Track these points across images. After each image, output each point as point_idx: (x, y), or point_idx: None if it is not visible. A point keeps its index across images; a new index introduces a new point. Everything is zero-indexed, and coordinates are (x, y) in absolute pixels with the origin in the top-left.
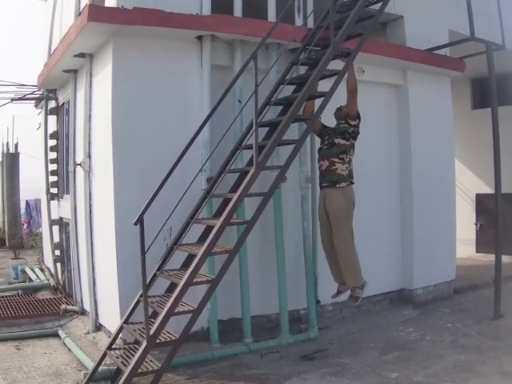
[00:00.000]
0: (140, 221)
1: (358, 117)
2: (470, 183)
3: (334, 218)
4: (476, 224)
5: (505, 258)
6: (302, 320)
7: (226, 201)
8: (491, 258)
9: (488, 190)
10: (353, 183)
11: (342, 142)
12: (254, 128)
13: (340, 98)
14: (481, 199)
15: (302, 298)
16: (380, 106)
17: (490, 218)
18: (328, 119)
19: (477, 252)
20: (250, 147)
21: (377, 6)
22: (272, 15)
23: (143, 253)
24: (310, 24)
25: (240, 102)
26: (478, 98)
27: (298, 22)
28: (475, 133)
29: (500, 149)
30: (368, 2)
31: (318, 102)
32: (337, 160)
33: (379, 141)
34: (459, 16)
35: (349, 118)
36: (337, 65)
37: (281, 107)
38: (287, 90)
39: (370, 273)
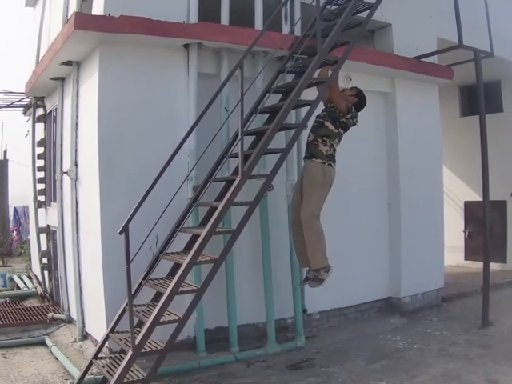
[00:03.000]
0: (125, 230)
1: (348, 112)
2: (458, 191)
3: (306, 188)
4: (465, 231)
5: (494, 266)
6: (289, 329)
7: (212, 209)
8: (480, 265)
9: (477, 197)
10: (331, 166)
11: (331, 127)
12: (239, 137)
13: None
14: (469, 207)
15: (289, 307)
16: (367, 114)
17: (478, 225)
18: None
19: (465, 259)
20: (235, 156)
21: (364, 14)
22: (259, 23)
23: (128, 262)
24: (298, 32)
25: (227, 110)
26: (467, 105)
27: (285, 30)
28: (464, 140)
29: (488, 156)
30: (355, 10)
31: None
32: (320, 140)
33: (367, 148)
34: (447, 24)
35: (340, 117)
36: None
37: (268, 115)
38: (274, 99)
39: (357, 281)
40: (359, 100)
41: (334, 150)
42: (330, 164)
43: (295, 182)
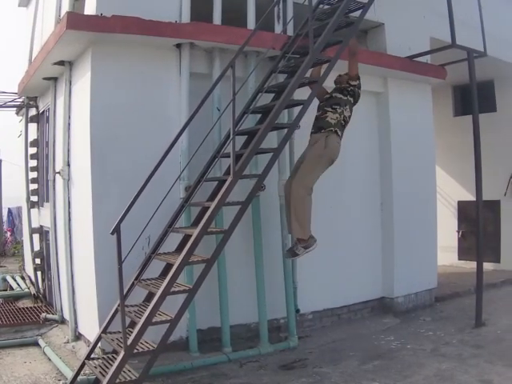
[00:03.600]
0: (117, 230)
1: (358, 78)
2: (452, 190)
3: (305, 159)
4: (458, 231)
5: (487, 266)
6: (282, 329)
7: (204, 209)
8: (473, 265)
9: (470, 197)
10: (338, 134)
11: (339, 95)
12: (231, 137)
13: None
14: (463, 206)
15: (282, 307)
16: (360, 114)
17: (471, 225)
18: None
19: (459, 259)
20: (227, 155)
21: (357, 14)
22: (251, 23)
23: (120, 262)
24: (290, 32)
25: (219, 110)
26: (460, 104)
27: (278, 29)
28: (457, 140)
29: (481, 156)
30: (348, 10)
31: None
32: (329, 109)
33: (359, 148)
34: (440, 23)
35: (349, 79)
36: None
37: (260, 115)
38: (266, 98)
39: (350, 281)
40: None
41: (345, 119)
42: (336, 132)
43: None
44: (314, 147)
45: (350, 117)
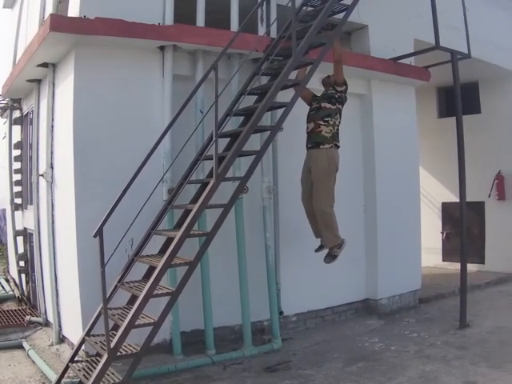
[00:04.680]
0: (99, 233)
1: (344, 83)
2: (436, 192)
3: (315, 179)
4: (442, 233)
5: (471, 267)
6: (266, 331)
7: (187, 212)
8: (457, 266)
9: (454, 198)
10: (338, 146)
11: (328, 106)
12: (213, 139)
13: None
14: (447, 208)
15: (266, 309)
16: (344, 116)
17: (455, 226)
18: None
19: (443, 261)
20: (210, 158)
21: (341, 16)
22: (235, 25)
23: (103, 265)
24: (274, 34)
25: (201, 112)
26: (444, 106)
27: (261, 31)
28: (441, 141)
29: (466, 157)
30: (331, 12)
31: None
32: (321, 122)
33: (343, 150)
34: (425, 25)
35: (336, 85)
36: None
37: (243, 117)
38: (250, 100)
39: (334, 283)
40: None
41: (338, 127)
42: (335, 144)
43: (271, 183)
44: (318, 167)
45: (340, 122)
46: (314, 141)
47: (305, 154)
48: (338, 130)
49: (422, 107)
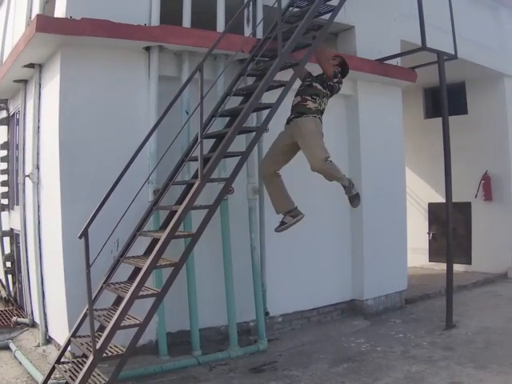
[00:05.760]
0: (84, 234)
1: (335, 76)
2: (422, 192)
3: (304, 140)
4: (429, 233)
5: (458, 267)
6: (252, 332)
7: (173, 213)
8: (444, 266)
9: (440, 199)
10: (320, 119)
11: (319, 87)
12: (199, 140)
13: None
14: (433, 208)
15: (251, 310)
16: (330, 116)
17: (442, 226)
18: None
19: (429, 261)
20: (196, 159)
21: (327, 17)
22: (221, 26)
23: (88, 266)
24: (260, 34)
25: (187, 113)
26: (431, 107)
27: (248, 32)
28: (428, 142)
29: (452, 158)
30: (317, 13)
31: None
32: (309, 98)
33: (328, 151)
34: (411, 26)
35: (327, 80)
36: (284, 76)
37: (229, 118)
38: (236, 101)
39: (320, 284)
40: (343, 70)
41: (323, 109)
42: (319, 118)
43: (256, 184)
44: (305, 129)
45: (325, 105)
46: (298, 111)
47: None
48: (323, 110)
49: (409, 108)
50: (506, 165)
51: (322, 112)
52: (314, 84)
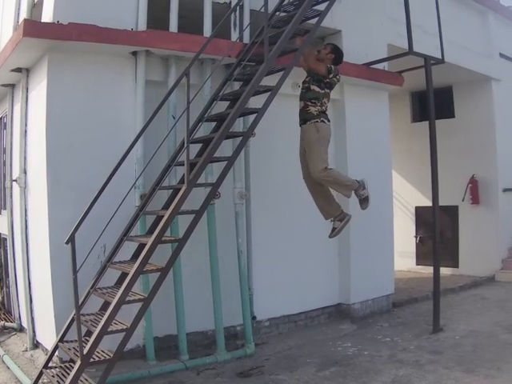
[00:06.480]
0: (71, 240)
1: (329, 72)
2: (409, 196)
3: (307, 148)
4: (416, 237)
5: (445, 271)
6: (239, 336)
7: (159, 218)
8: (431, 270)
9: (427, 202)
10: (324, 122)
11: (317, 89)
12: (185, 145)
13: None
14: (420, 212)
15: (238, 314)
16: None
17: (429, 230)
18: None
19: (417, 265)
20: (182, 164)
21: (314, 21)
22: (208, 30)
23: (75, 272)
24: (247, 39)
25: (174, 117)
26: (418, 111)
27: (235, 37)
28: (415, 146)
29: (440, 161)
30: (304, 17)
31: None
32: (309, 103)
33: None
34: (398, 30)
35: (323, 78)
36: (271, 81)
37: (215, 123)
38: (223, 106)
39: (306, 287)
40: (336, 55)
41: (326, 108)
42: (322, 121)
43: (243, 189)
44: (307, 137)
45: (327, 103)
46: (303, 118)
47: (278, 157)
48: (326, 108)
49: (396, 111)
50: (492, 168)
51: (326, 109)
52: (312, 87)
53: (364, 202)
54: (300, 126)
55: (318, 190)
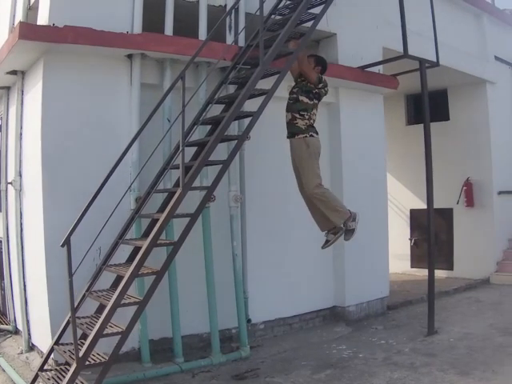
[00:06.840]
0: (67, 242)
1: (319, 82)
2: (404, 199)
3: (299, 165)
4: (411, 239)
5: (440, 273)
6: (234, 339)
7: (155, 221)
8: (426, 272)
9: (422, 205)
10: (313, 136)
11: (306, 100)
12: (180, 148)
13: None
14: (415, 215)
15: (233, 317)
16: None
17: (424, 233)
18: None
19: (411, 267)
20: (177, 167)
21: (309, 25)
22: (203, 33)
23: (70, 275)
24: (242, 42)
25: (169, 121)
26: (413, 113)
27: (230, 40)
28: (410, 149)
29: (434, 164)
30: (300, 21)
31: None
32: (298, 115)
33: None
34: (393, 33)
35: (313, 86)
36: (266, 84)
37: (210, 126)
38: (218, 109)
39: (301, 290)
40: (322, 66)
41: (314, 121)
42: (311, 135)
43: (238, 192)
44: (298, 153)
45: (315, 114)
46: (291, 131)
47: (273, 161)
48: (314, 121)
49: (391, 114)
50: (487, 171)
51: (313, 122)
52: (301, 98)
53: (349, 233)
54: (288, 138)
55: (313, 203)
